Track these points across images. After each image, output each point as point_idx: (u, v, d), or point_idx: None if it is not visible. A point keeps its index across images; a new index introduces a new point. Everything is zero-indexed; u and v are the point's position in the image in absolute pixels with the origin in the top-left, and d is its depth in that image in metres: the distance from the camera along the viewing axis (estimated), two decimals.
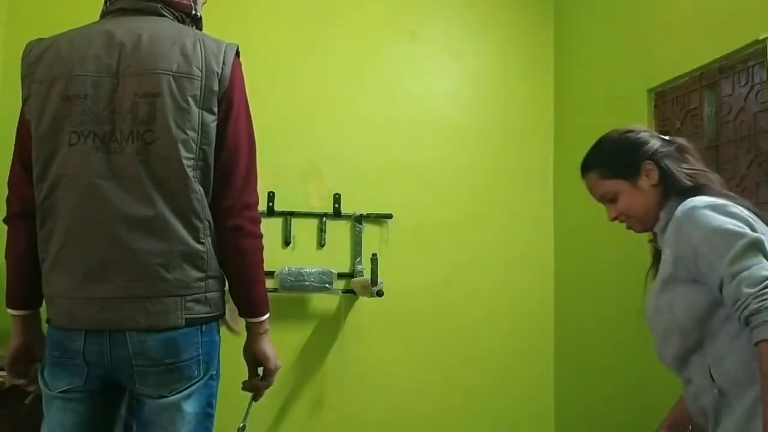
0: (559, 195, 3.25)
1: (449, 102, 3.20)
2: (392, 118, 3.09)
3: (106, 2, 1.40)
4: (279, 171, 2.91)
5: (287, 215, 2.89)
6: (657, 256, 1.55)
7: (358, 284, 2.87)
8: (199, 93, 1.26)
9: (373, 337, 2.97)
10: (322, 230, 2.93)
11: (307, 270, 2.77)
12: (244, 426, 1.54)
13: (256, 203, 1.36)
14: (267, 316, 1.39)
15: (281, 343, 2.84)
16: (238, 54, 1.39)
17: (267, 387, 1.44)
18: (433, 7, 3.23)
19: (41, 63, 1.31)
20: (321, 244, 2.93)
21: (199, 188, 1.27)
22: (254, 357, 1.41)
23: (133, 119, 1.24)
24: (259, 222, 1.36)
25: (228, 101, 1.31)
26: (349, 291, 2.91)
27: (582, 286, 3.01)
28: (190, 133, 1.25)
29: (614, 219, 1.57)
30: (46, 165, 1.26)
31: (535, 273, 3.20)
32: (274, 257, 2.84)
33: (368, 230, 3.00)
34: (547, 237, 3.24)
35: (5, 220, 1.37)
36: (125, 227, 1.22)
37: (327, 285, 2.78)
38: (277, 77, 2.96)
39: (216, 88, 1.29)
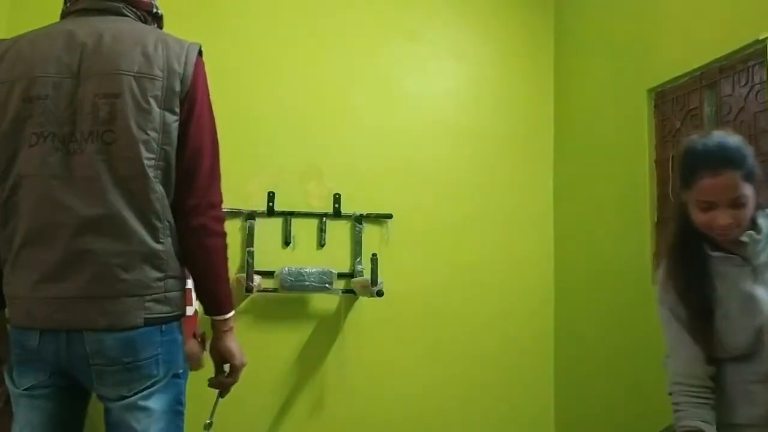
0: (559, 195, 3.25)
1: (449, 102, 3.20)
2: (392, 118, 3.09)
3: (66, 2, 1.39)
4: (279, 171, 2.91)
5: (287, 215, 2.89)
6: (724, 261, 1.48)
7: (358, 284, 2.87)
8: (160, 93, 1.26)
9: (373, 337, 2.97)
10: (322, 230, 2.93)
11: (307, 270, 2.77)
12: (210, 422, 1.54)
13: (221, 202, 1.37)
14: (232, 314, 1.40)
15: (281, 343, 2.86)
16: (200, 53, 1.38)
17: (233, 384, 1.45)
18: (433, 7, 3.23)
19: (2, 64, 1.30)
20: (321, 244, 2.93)
21: (159, 188, 1.26)
22: (220, 354, 1.42)
23: (94, 120, 1.24)
24: (223, 221, 1.37)
25: (190, 101, 1.31)
26: (349, 291, 2.91)
27: (582, 287, 3.01)
28: (152, 133, 1.25)
29: (727, 226, 1.41)
30: (8, 165, 1.26)
31: (535, 273, 3.20)
32: (274, 257, 2.84)
33: (368, 230, 3.00)
34: (547, 237, 3.24)
35: None
36: (83, 228, 1.22)
37: (327, 285, 2.78)
38: (278, 77, 2.96)
39: (178, 88, 1.28)
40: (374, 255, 2.78)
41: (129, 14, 1.36)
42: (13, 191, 1.26)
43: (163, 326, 1.29)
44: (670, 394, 1.54)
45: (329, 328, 2.92)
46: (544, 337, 3.19)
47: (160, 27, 1.44)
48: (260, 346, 2.80)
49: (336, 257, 2.93)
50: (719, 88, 2.32)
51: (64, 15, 1.37)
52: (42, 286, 1.24)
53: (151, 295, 1.26)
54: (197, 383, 1.63)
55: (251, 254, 2.71)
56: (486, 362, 3.09)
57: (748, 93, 2.18)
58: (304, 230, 2.92)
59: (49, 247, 1.23)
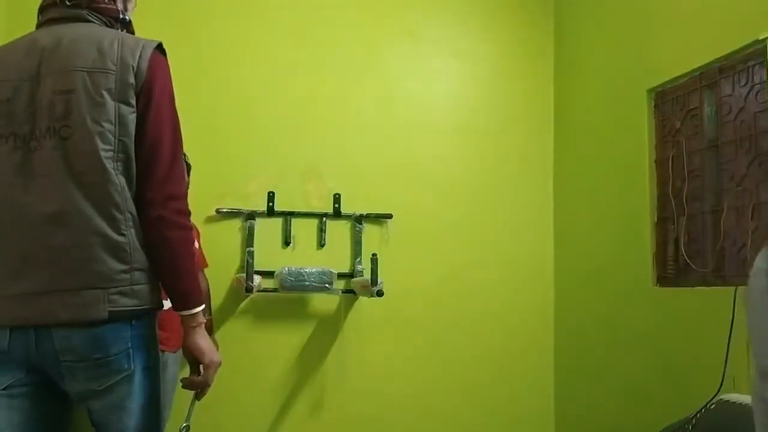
0: (559, 195, 3.25)
1: (449, 102, 3.20)
2: (392, 118, 3.09)
3: (38, 16, 1.42)
4: (279, 171, 2.91)
5: (287, 215, 2.89)
6: None
7: (358, 284, 2.87)
8: (113, 86, 1.27)
9: (373, 337, 2.97)
10: (322, 230, 2.93)
11: (307, 270, 2.76)
12: (187, 426, 1.49)
13: (183, 195, 1.35)
14: (199, 309, 1.36)
15: (281, 343, 2.86)
16: (161, 50, 1.38)
17: (206, 384, 1.39)
18: (433, 7, 3.23)
19: None
20: (321, 244, 2.93)
21: (119, 180, 1.27)
22: (190, 352, 1.37)
23: (50, 116, 1.26)
24: (186, 213, 1.35)
25: (147, 94, 1.30)
26: (349, 291, 2.91)
27: (582, 286, 3.01)
28: (106, 125, 1.25)
29: None
30: None
31: (535, 273, 3.20)
32: (274, 257, 2.84)
33: (368, 230, 3.00)
34: (547, 237, 3.24)
35: None
36: (43, 223, 1.23)
37: (327, 285, 2.78)
38: (278, 77, 2.96)
39: (132, 81, 1.29)
40: (374, 255, 2.78)
41: (94, 20, 1.38)
42: None
43: (133, 321, 1.28)
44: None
45: (329, 328, 2.92)
46: (544, 337, 3.19)
47: (131, 32, 1.45)
48: (260, 346, 2.80)
49: (336, 257, 2.93)
50: (719, 88, 2.32)
51: (36, 28, 1.41)
52: (5, 283, 1.24)
53: (116, 287, 1.24)
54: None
55: (251, 254, 2.71)
56: (486, 362, 3.09)
57: (748, 93, 2.19)
58: (304, 230, 2.92)
59: (12, 244, 1.24)
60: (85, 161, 1.24)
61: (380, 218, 3.01)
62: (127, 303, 1.26)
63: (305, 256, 2.87)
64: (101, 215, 1.24)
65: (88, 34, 1.32)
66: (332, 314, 2.92)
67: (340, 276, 2.91)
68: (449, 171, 3.14)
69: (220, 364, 1.40)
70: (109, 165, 1.25)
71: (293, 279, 2.74)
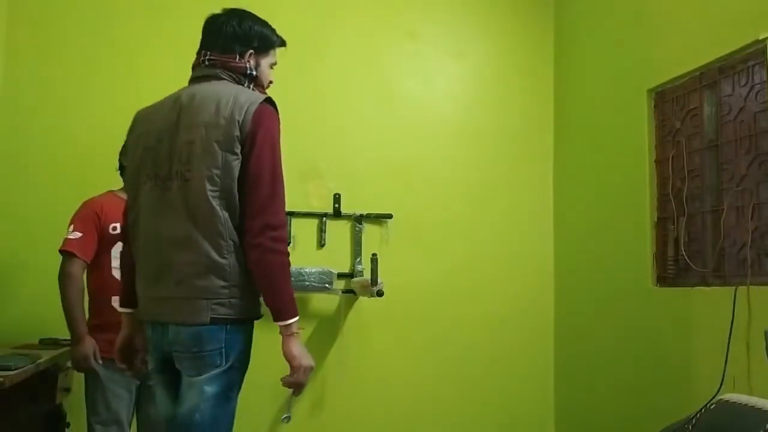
0: (559, 195, 3.25)
1: (449, 102, 3.20)
2: (392, 118, 3.09)
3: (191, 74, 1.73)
4: None
5: (287, 215, 2.88)
6: None
7: (358, 284, 2.87)
8: (222, 138, 1.54)
9: (373, 337, 2.97)
10: (322, 230, 2.93)
11: (307, 270, 2.76)
12: (288, 417, 2.00)
13: (279, 224, 1.59)
14: (293, 320, 1.58)
15: (280, 343, 2.85)
16: (269, 102, 1.65)
17: (297, 384, 1.60)
18: (433, 7, 3.23)
19: (138, 125, 1.71)
20: (321, 244, 2.93)
21: (223, 214, 1.54)
22: (284, 356, 1.60)
23: (179, 161, 1.57)
24: (282, 240, 1.58)
25: (250, 141, 1.57)
26: (349, 291, 2.91)
27: (582, 286, 3.01)
28: (215, 170, 1.53)
29: None
30: (134, 199, 1.67)
31: (535, 272, 3.20)
32: None
33: (368, 230, 3.00)
34: (547, 237, 3.24)
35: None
36: (170, 246, 1.57)
37: (327, 285, 2.78)
38: (278, 77, 2.95)
39: (237, 133, 1.55)
40: (374, 255, 2.78)
41: (225, 77, 1.67)
42: (136, 217, 1.66)
43: (228, 326, 1.55)
44: None
45: (329, 328, 2.92)
46: (544, 337, 3.19)
47: (256, 84, 1.75)
48: (260, 346, 2.78)
49: (336, 257, 2.93)
50: (719, 88, 2.32)
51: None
52: (149, 288, 1.62)
53: (217, 299, 1.53)
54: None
55: None
56: (486, 362, 3.09)
57: (748, 93, 2.18)
58: (304, 230, 2.92)
59: (151, 260, 1.61)
60: (197, 199, 1.54)
61: (380, 218, 3.01)
62: (224, 312, 1.54)
63: (305, 256, 2.87)
64: (209, 242, 1.54)
65: (214, 92, 1.60)
66: (332, 314, 2.92)
67: (340, 276, 2.91)
68: (449, 171, 3.14)
69: (311, 367, 1.60)
70: (215, 202, 1.53)
71: (293, 279, 2.73)
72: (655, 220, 2.55)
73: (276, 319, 1.58)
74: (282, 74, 3.06)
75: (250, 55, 1.73)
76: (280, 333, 1.59)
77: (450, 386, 3.04)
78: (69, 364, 2.26)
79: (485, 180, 3.19)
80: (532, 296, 3.19)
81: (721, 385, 1.98)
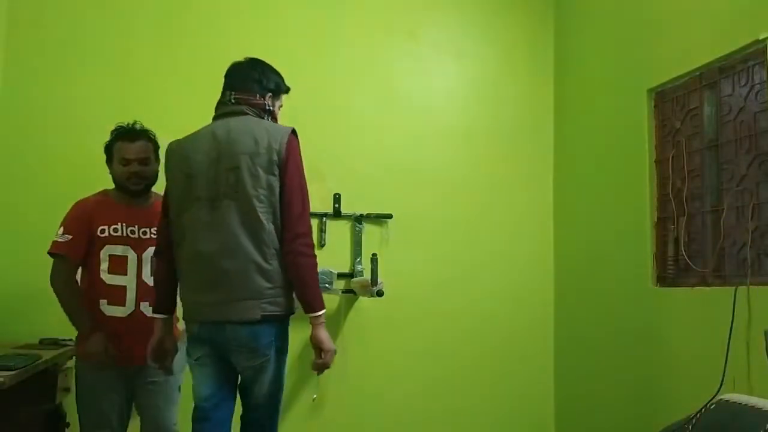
0: (559, 195, 3.25)
1: (449, 102, 3.20)
2: (392, 119, 3.09)
3: (215, 111, 2.03)
4: None
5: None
6: None
7: (358, 284, 2.87)
8: (264, 164, 1.86)
9: (373, 337, 2.97)
10: (322, 230, 2.93)
11: None
12: (315, 397, 2.27)
13: (308, 233, 1.91)
14: (321, 312, 1.93)
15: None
16: (294, 133, 1.95)
17: (324, 365, 1.94)
18: (433, 8, 3.23)
19: (174, 156, 1.97)
20: (321, 244, 2.93)
21: (269, 226, 1.86)
22: (313, 342, 1.93)
23: (226, 185, 1.87)
24: (311, 246, 1.91)
25: (284, 167, 1.89)
26: (349, 291, 2.91)
27: (582, 286, 3.01)
28: (261, 191, 1.86)
29: None
30: (179, 217, 1.93)
31: (535, 273, 3.20)
32: None
33: (368, 230, 3.00)
34: (547, 237, 3.24)
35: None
36: (222, 256, 1.85)
37: (327, 285, 2.78)
38: None
39: (275, 158, 1.88)
40: (374, 255, 2.78)
41: (249, 112, 1.98)
42: (182, 234, 1.92)
43: (275, 322, 1.88)
44: None
45: (329, 328, 2.87)
46: (544, 337, 3.19)
47: (272, 118, 2.05)
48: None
49: (336, 257, 2.93)
50: (719, 88, 2.32)
51: (213, 120, 2.01)
52: (204, 295, 1.88)
53: (265, 299, 1.85)
54: None
55: None
56: (486, 362, 3.09)
57: (748, 93, 2.19)
58: None
59: (204, 270, 1.88)
60: (247, 215, 1.85)
61: (380, 218, 3.01)
62: (272, 309, 1.86)
63: None
64: (257, 250, 1.85)
65: (246, 126, 1.92)
66: (332, 314, 2.92)
67: (340, 276, 2.91)
68: (449, 171, 3.14)
69: (335, 351, 1.96)
70: (263, 217, 1.85)
71: None
72: (655, 220, 2.55)
73: (307, 311, 1.92)
74: (282, 74, 3.06)
75: (268, 96, 2.04)
76: (311, 323, 1.92)
77: (450, 386, 3.04)
78: (68, 364, 2.25)
79: (485, 180, 3.19)
80: (531, 295, 3.19)
81: (721, 385, 1.98)
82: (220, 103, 2.02)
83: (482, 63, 3.27)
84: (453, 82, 3.22)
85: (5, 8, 2.69)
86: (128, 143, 2.23)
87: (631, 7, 2.75)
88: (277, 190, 1.87)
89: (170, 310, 2.02)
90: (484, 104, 3.24)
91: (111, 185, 2.28)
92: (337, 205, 2.96)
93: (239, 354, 1.87)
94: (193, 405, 1.95)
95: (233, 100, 1.99)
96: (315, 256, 1.93)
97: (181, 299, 1.99)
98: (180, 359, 2.12)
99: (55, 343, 2.36)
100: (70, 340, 2.29)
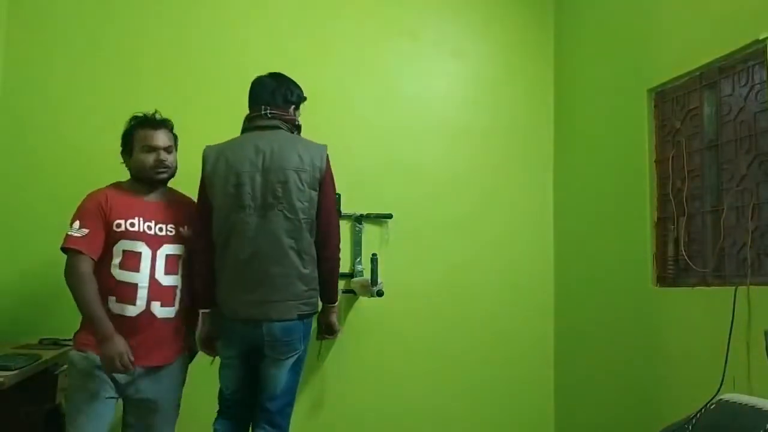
0: (559, 195, 3.25)
1: (449, 102, 3.20)
2: (392, 118, 3.09)
3: (245, 122, 2.26)
4: None
5: None
6: None
7: (358, 284, 2.87)
8: (309, 179, 2.13)
9: (373, 337, 2.97)
10: None
11: None
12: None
13: (338, 241, 2.26)
14: (336, 303, 2.35)
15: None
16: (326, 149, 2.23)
17: (332, 338, 2.49)
18: (433, 7, 3.23)
19: (218, 164, 2.16)
20: None
21: (308, 235, 2.14)
22: (325, 323, 2.37)
23: (273, 196, 2.11)
24: (339, 250, 2.27)
25: (323, 182, 2.17)
26: (349, 291, 2.91)
27: (582, 286, 3.01)
28: (305, 203, 2.12)
29: None
30: (225, 222, 2.13)
31: (535, 273, 3.20)
32: None
33: (368, 230, 3.00)
34: (547, 237, 3.24)
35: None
36: (267, 260, 2.09)
37: None
38: None
39: (318, 175, 2.16)
40: (374, 255, 2.78)
41: (283, 127, 2.22)
42: (227, 237, 2.13)
43: (305, 320, 2.17)
44: None
45: None
46: (544, 337, 3.19)
47: (299, 132, 2.30)
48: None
49: None
50: (719, 88, 2.32)
51: (245, 130, 2.25)
52: (246, 294, 2.11)
53: (302, 300, 2.13)
54: None
55: None
56: (486, 362, 3.09)
57: (748, 93, 2.19)
58: None
59: (250, 272, 2.10)
60: (291, 225, 2.11)
61: (380, 218, 3.01)
62: (306, 310, 2.16)
63: None
64: (297, 257, 2.12)
65: (289, 144, 2.16)
66: None
67: (341, 276, 2.89)
68: (449, 171, 3.14)
69: (340, 329, 2.52)
70: (305, 227, 2.12)
71: None
72: (655, 220, 2.55)
73: (328, 302, 2.31)
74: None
75: (292, 108, 2.28)
76: (328, 310, 2.33)
77: (450, 386, 3.04)
78: (65, 366, 2.24)
79: (485, 180, 3.19)
80: (531, 295, 3.19)
81: (721, 385, 1.98)
82: (256, 116, 2.22)
83: (482, 63, 3.27)
84: (453, 81, 3.22)
85: (5, 8, 2.69)
86: (152, 131, 2.11)
87: (631, 7, 2.75)
88: (316, 202, 2.14)
89: (214, 303, 2.18)
90: (485, 104, 3.24)
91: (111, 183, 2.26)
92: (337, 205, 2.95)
93: (272, 348, 2.10)
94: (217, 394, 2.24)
95: (269, 115, 2.20)
96: (339, 259, 2.29)
97: (220, 298, 2.16)
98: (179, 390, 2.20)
99: (55, 343, 2.36)
100: (70, 340, 2.28)
